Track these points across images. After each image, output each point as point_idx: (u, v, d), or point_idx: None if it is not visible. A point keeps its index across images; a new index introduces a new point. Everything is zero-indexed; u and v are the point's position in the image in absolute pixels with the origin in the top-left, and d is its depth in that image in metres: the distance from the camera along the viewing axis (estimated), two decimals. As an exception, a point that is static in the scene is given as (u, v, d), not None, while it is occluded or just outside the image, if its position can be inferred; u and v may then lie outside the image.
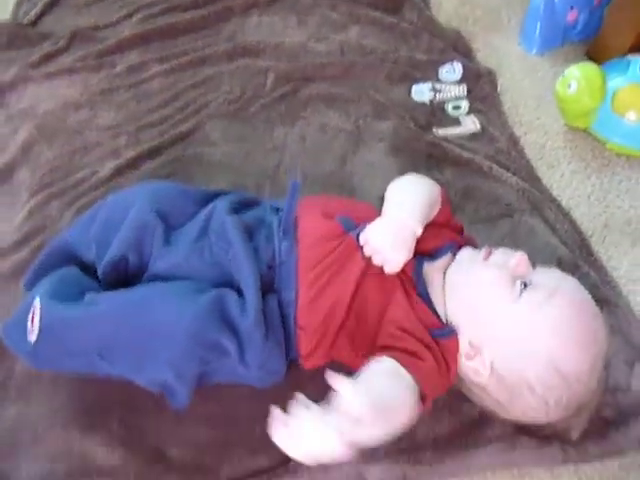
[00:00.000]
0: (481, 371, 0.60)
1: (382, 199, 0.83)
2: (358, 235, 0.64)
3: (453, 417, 0.66)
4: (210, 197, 0.72)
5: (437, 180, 0.85)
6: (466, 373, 0.61)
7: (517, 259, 0.61)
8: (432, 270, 0.66)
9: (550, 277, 0.61)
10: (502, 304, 0.60)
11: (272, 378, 0.62)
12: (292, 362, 0.64)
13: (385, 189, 0.87)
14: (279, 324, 0.60)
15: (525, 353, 0.58)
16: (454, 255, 0.67)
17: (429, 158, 0.89)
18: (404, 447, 0.63)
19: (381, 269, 0.62)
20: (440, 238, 0.67)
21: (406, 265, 0.63)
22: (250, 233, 0.64)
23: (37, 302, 0.59)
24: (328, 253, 0.62)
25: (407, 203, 0.65)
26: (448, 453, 0.64)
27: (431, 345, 0.59)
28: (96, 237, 0.66)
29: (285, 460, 0.62)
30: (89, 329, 0.58)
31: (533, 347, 0.58)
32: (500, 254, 0.63)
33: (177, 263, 0.63)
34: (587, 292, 0.62)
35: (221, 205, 0.67)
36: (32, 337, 0.59)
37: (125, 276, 0.65)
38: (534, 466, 0.64)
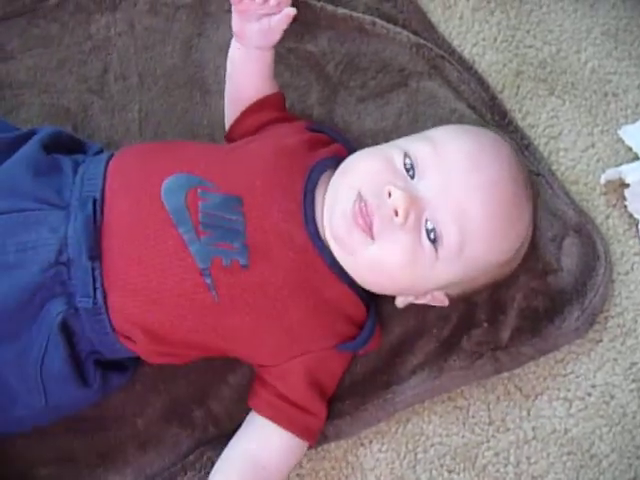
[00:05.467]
0: (437, 303, 0.53)
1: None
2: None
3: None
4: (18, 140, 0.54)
5: (310, 53, 0.68)
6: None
7: (403, 211, 0.46)
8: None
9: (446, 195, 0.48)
10: (426, 271, 0.49)
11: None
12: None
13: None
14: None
15: (470, 279, 0.51)
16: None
17: (296, 23, 0.69)
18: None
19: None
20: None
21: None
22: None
23: None
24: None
25: None
26: (369, 397, 0.54)
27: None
28: None
29: (180, 453, 0.53)
30: None
31: (474, 272, 0.51)
32: (377, 214, 0.47)
33: None
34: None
35: None
36: None
37: None
38: (465, 385, 0.56)
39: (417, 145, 0.50)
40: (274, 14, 0.54)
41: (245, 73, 0.58)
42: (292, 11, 0.54)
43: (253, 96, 0.57)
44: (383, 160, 0.50)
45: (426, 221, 0.47)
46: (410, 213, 0.46)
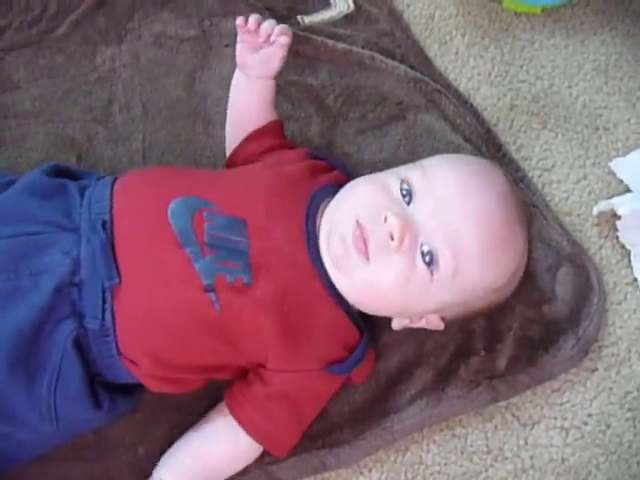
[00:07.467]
0: (433, 327, 0.54)
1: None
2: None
3: (367, 381, 0.56)
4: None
5: (311, 86, 0.70)
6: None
7: (398, 235, 0.48)
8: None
9: (444, 227, 0.49)
10: (420, 293, 0.50)
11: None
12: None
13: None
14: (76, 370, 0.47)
15: (465, 303, 0.51)
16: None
17: (297, 57, 0.71)
18: (317, 431, 0.54)
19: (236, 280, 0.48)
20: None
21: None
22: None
23: None
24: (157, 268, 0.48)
25: None
26: (368, 425, 0.55)
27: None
28: None
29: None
30: None
31: (469, 296, 0.51)
32: (373, 238, 0.49)
33: None
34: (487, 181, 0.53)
35: None
36: None
37: None
38: (463, 413, 0.56)
39: (413, 172, 0.52)
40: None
41: (247, 101, 0.61)
42: (286, 40, 0.57)
43: (254, 124, 0.60)
44: (380, 187, 0.51)
45: (421, 244, 0.49)
46: (405, 237, 0.48)
